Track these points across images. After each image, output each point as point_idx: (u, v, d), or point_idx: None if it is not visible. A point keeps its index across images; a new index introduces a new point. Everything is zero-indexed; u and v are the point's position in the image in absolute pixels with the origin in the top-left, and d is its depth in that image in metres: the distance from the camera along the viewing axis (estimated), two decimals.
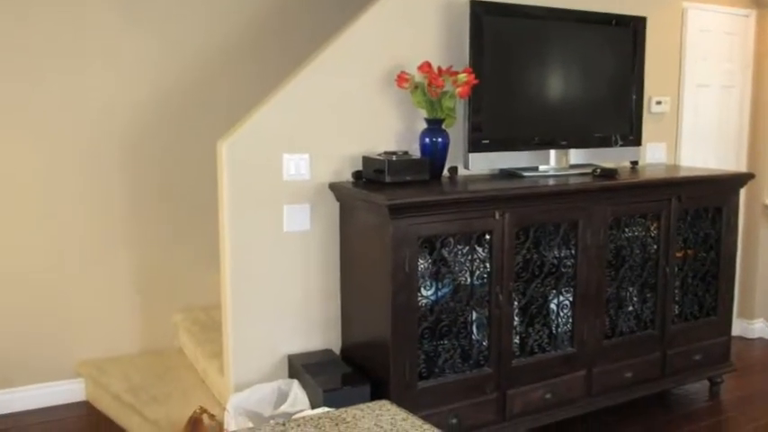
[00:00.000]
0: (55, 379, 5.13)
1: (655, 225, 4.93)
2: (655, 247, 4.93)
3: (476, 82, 4.44)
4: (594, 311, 4.67)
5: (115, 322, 5.31)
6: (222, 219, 4.21)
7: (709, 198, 5.15)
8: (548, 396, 4.53)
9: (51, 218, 5.04)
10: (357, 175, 4.39)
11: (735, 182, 5.26)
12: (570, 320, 4.62)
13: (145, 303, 5.40)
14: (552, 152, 4.89)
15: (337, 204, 4.40)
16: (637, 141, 5.24)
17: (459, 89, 4.39)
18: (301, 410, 3.89)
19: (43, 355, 5.09)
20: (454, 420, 4.19)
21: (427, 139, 4.46)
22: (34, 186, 4.98)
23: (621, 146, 5.16)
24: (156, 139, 5.31)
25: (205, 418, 4.04)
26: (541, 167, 4.85)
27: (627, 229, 4.82)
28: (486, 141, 4.62)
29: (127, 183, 5.25)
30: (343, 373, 4.16)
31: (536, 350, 4.53)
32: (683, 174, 5.22)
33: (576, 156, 4.99)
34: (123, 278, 5.31)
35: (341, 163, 4.39)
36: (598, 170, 4.84)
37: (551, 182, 4.62)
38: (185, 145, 5.39)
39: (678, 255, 5.06)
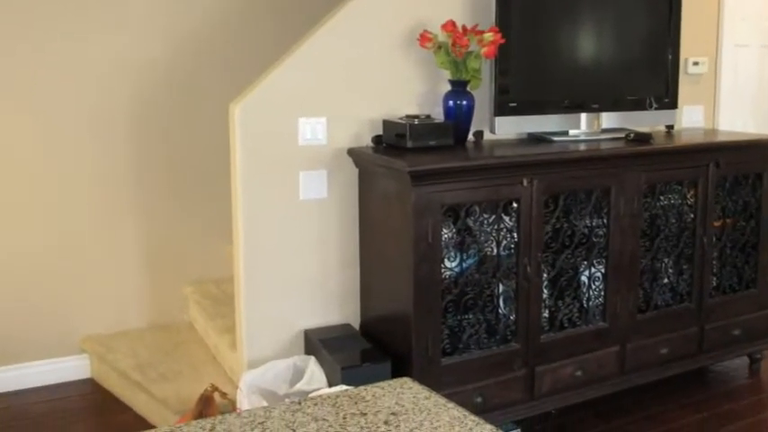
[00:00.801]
0: (58, 355, 5.12)
1: (691, 192, 4.86)
2: (691, 215, 4.87)
3: (502, 41, 4.37)
4: (628, 284, 4.62)
5: (122, 295, 5.30)
6: (234, 187, 4.18)
7: (749, 164, 5.07)
8: (578, 373, 4.50)
9: (54, 188, 5.00)
10: (377, 139, 4.34)
11: None
12: (602, 293, 4.57)
13: (153, 276, 5.38)
14: (583, 116, 4.81)
15: (356, 171, 4.36)
16: (672, 104, 5.16)
17: (484, 49, 4.33)
18: (318, 388, 3.87)
19: (46, 331, 5.07)
20: (479, 399, 4.15)
21: (451, 102, 4.41)
22: (36, 154, 4.94)
23: (656, 109, 5.08)
24: (165, 103, 5.27)
25: (216, 396, 4.04)
26: (572, 132, 4.78)
27: (662, 197, 4.76)
28: (514, 104, 4.56)
29: (134, 149, 5.21)
30: (362, 349, 4.15)
31: (566, 325, 4.48)
32: (721, 138, 5.17)
33: (608, 119, 4.92)
34: (130, 249, 5.28)
35: (360, 127, 4.35)
36: (632, 134, 4.78)
37: (582, 147, 4.58)
38: (195, 109, 5.35)
39: (716, 224, 4.99)
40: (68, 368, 5.13)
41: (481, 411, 4.07)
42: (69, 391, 4.99)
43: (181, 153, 5.35)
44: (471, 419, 1.79)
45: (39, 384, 5.04)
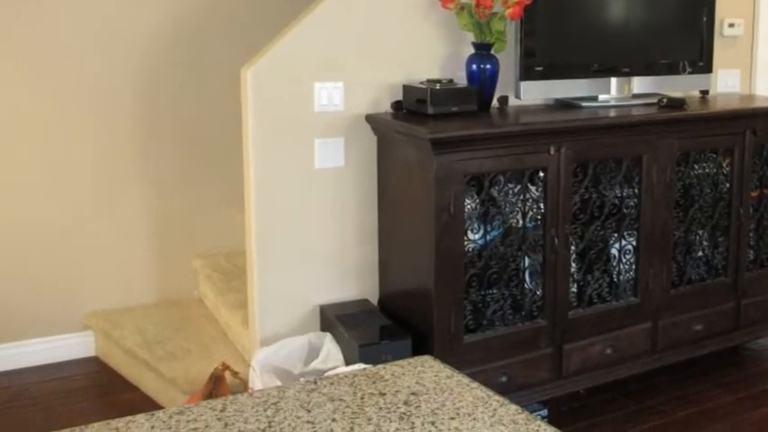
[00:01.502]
0: (61, 332, 5.11)
1: (727, 161, 4.82)
2: (727, 185, 4.83)
3: (528, 2, 4.31)
4: (660, 257, 4.59)
5: (128, 269, 5.29)
6: (247, 155, 4.14)
7: None
8: (608, 351, 4.47)
9: (57, 156, 4.98)
10: (397, 105, 4.30)
11: None
12: (633, 267, 4.55)
13: (161, 248, 5.37)
14: (613, 80, 4.76)
15: (374, 138, 4.32)
16: (707, 68, 5.09)
17: (509, 10, 4.27)
18: (335, 367, 3.87)
19: (48, 307, 5.06)
20: (504, 378, 4.14)
21: (474, 66, 4.36)
22: (38, 122, 4.92)
23: (690, 73, 5.02)
24: (172, 68, 5.24)
25: (228, 375, 4.04)
26: (601, 97, 4.73)
27: (696, 166, 4.72)
28: (540, 68, 4.51)
29: (141, 115, 5.19)
30: (381, 326, 4.12)
31: (595, 300, 4.46)
32: (758, 104, 5.15)
33: (639, 84, 4.87)
34: (137, 221, 5.27)
35: (379, 92, 4.30)
36: (664, 100, 4.72)
37: (612, 113, 4.56)
38: (205, 73, 5.31)
39: (753, 194, 4.96)
40: (72, 345, 5.12)
41: (506, 391, 4.03)
42: (73, 370, 4.99)
43: (189, 120, 5.32)
44: (495, 400, 1.80)
45: (41, 362, 5.02)
